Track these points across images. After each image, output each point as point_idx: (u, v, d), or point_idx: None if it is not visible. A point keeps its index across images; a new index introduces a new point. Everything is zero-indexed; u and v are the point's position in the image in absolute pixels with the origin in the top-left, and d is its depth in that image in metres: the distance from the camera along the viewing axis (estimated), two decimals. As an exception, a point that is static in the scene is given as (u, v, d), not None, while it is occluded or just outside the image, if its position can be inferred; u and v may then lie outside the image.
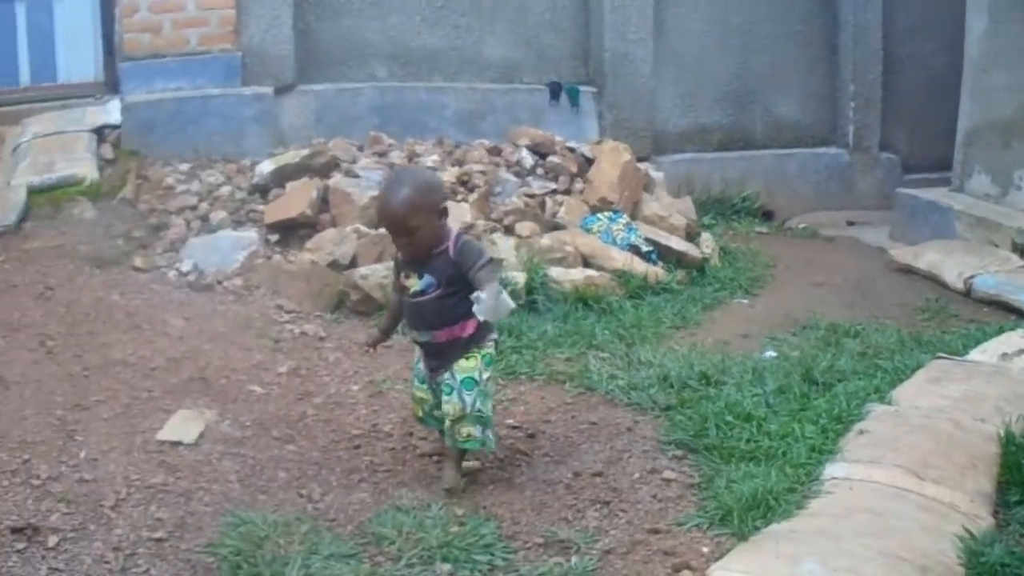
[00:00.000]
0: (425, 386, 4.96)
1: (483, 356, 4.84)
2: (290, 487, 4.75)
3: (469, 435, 4.78)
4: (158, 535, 4.29)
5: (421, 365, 4.98)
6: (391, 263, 7.09)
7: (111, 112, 9.63)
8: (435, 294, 4.77)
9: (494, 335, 4.96)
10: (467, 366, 4.80)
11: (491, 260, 4.82)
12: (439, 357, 4.86)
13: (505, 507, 4.55)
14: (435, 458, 5.07)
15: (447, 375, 4.80)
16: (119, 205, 8.52)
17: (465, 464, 4.95)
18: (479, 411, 4.79)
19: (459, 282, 4.73)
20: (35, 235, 8.12)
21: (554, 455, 5.06)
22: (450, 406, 4.77)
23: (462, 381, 4.77)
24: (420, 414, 5.06)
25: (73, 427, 5.22)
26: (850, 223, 11.10)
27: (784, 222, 11.11)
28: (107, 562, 4.12)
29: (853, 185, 11.79)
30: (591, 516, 4.47)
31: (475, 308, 4.52)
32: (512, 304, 4.76)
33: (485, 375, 4.84)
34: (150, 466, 4.86)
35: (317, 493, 4.69)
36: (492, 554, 4.14)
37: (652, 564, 4.06)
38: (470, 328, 4.80)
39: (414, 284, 4.82)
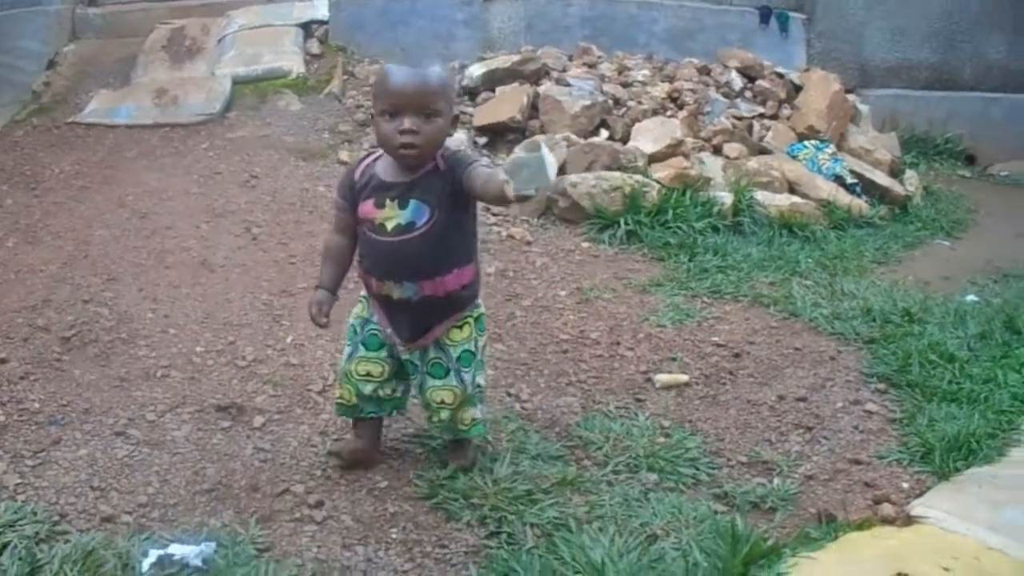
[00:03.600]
0: (382, 352, 4.00)
1: (477, 319, 3.99)
2: (498, 385, 4.82)
3: (473, 421, 4.03)
4: (365, 422, 4.39)
5: (380, 329, 3.97)
6: (599, 173, 7.16)
7: (318, 8, 9.89)
8: (427, 226, 3.75)
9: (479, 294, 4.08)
10: (461, 337, 3.94)
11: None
12: (418, 321, 3.91)
13: (710, 423, 4.58)
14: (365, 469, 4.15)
15: (433, 352, 3.94)
16: (325, 99, 8.69)
17: (673, 376, 4.96)
18: (479, 387, 4.04)
19: (457, 208, 3.79)
20: (240, 125, 8.34)
21: (759, 376, 5.06)
22: (447, 392, 3.95)
23: (458, 357, 3.93)
24: (353, 400, 4.08)
25: (279, 312, 5.35)
26: (1056, 174, 10.78)
27: (986, 168, 10.89)
28: (313, 445, 4.25)
29: (1062, 135, 11.40)
30: (794, 440, 4.47)
31: (505, 174, 3.41)
32: (553, 169, 3.49)
33: (481, 342, 4.03)
34: (357, 355, 4.98)
35: (525, 393, 4.76)
36: (697, 468, 4.17)
37: (852, 494, 4.05)
38: (466, 278, 3.90)
39: (393, 216, 3.78)
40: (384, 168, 3.85)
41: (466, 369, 3.94)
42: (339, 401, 4.11)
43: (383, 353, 3.99)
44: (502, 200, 3.47)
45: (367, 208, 3.83)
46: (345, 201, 3.93)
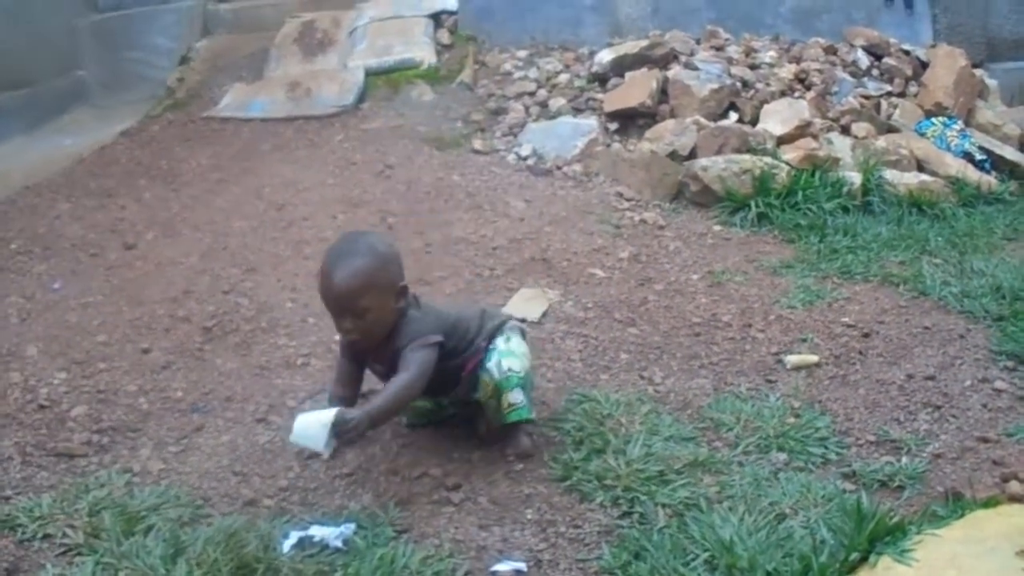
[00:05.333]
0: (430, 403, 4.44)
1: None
2: (632, 369, 4.90)
3: (511, 406, 4.10)
4: (504, 408, 4.50)
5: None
6: (729, 156, 7.22)
7: (447, -2, 9.92)
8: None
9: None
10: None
11: (433, 344, 3.97)
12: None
13: (839, 403, 4.61)
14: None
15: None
16: (457, 89, 8.81)
17: (803, 357, 5.01)
18: (510, 370, 4.10)
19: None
20: (373, 115, 8.50)
21: (887, 356, 5.07)
22: (482, 383, 4.11)
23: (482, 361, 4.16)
24: (407, 419, 4.42)
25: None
26: None
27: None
28: (452, 426, 4.38)
29: None
30: (922, 419, 4.47)
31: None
32: (323, 442, 3.66)
33: (509, 344, 4.20)
34: (498, 340, 5.09)
35: (658, 376, 4.83)
36: (826, 447, 4.22)
37: (981, 472, 4.04)
38: (476, 358, 4.16)
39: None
40: None
41: (488, 360, 4.11)
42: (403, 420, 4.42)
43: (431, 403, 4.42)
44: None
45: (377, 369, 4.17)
46: (352, 354, 4.20)
